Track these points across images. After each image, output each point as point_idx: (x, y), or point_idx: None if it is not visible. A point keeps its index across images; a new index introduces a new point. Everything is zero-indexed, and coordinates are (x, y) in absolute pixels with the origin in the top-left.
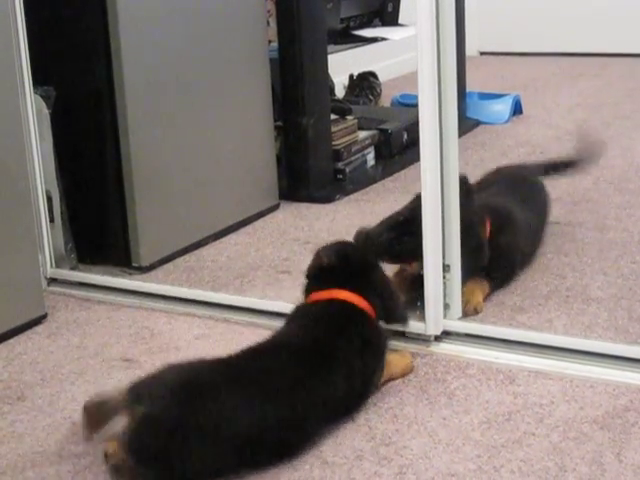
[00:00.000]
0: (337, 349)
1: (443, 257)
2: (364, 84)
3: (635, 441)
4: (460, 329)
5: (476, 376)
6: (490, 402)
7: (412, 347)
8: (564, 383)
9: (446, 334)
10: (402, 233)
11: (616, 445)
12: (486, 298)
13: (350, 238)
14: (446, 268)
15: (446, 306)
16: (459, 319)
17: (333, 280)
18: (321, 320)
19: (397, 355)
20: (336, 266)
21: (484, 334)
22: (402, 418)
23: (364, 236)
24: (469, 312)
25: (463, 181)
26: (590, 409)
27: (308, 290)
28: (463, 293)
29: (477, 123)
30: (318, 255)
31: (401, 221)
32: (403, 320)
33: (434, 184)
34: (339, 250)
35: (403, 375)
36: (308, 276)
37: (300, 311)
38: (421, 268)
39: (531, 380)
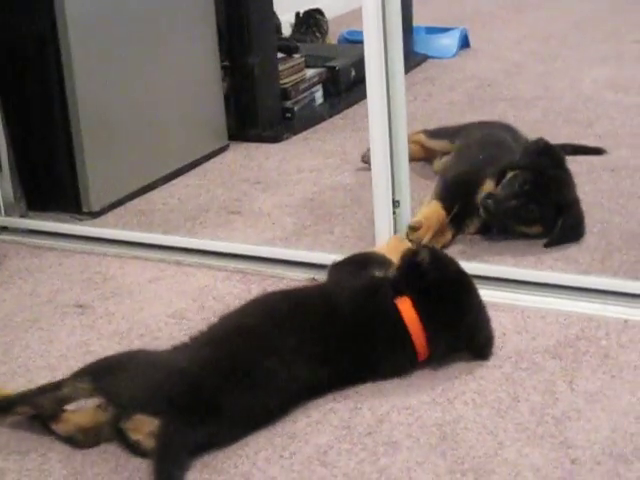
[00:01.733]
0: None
1: (393, 193)
2: (310, 21)
3: (586, 369)
4: None
5: None
6: None
7: None
8: (515, 314)
9: None
10: (528, 200)
11: (568, 374)
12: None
13: (300, 176)
14: (396, 204)
15: None
16: None
17: (418, 292)
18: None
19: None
20: (430, 279)
21: None
22: None
23: (493, 199)
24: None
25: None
26: (542, 339)
27: (397, 289)
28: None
29: (425, 57)
30: (419, 253)
31: (527, 189)
32: (483, 355)
33: (382, 120)
34: (440, 264)
35: None
36: (401, 265)
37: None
38: (541, 231)
39: None
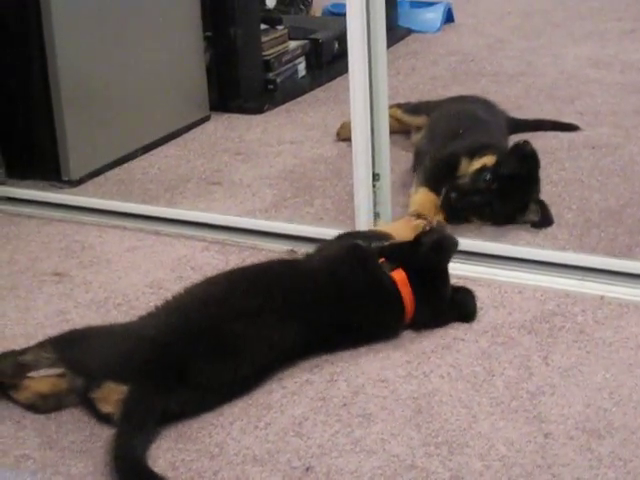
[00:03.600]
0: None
1: (373, 166)
2: None
3: (562, 344)
4: None
5: None
6: None
7: None
8: (492, 289)
9: None
10: (493, 198)
11: (543, 349)
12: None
13: (280, 148)
14: (376, 177)
15: (376, 215)
16: None
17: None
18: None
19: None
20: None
21: None
22: None
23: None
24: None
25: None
26: (518, 314)
27: (395, 258)
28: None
29: (408, 32)
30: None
31: (494, 187)
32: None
33: (363, 94)
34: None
35: None
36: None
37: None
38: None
39: None
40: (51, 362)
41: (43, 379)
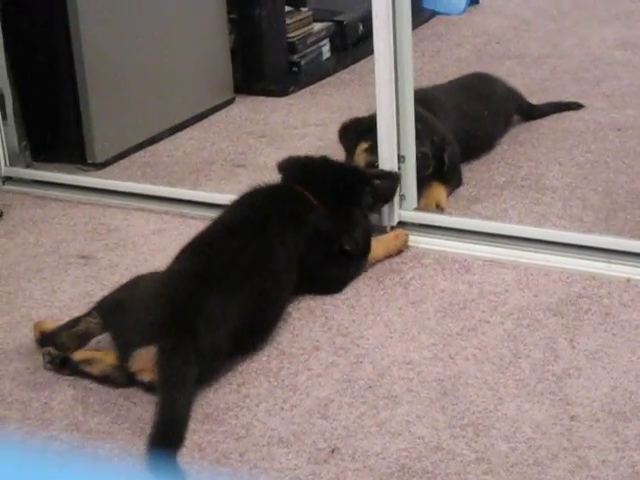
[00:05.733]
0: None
1: (398, 148)
2: None
3: (588, 327)
4: (415, 219)
5: (431, 266)
6: (445, 291)
7: None
8: (518, 271)
9: (402, 224)
10: None
11: (569, 331)
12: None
13: (305, 130)
14: (401, 159)
15: (401, 197)
16: (414, 210)
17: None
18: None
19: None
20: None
21: (439, 224)
22: (358, 309)
23: None
24: (430, 208)
25: None
26: (544, 296)
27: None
28: (425, 192)
29: (433, 14)
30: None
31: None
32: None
33: (388, 76)
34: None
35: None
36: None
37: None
38: None
39: (486, 269)
40: (100, 328)
41: (111, 352)
